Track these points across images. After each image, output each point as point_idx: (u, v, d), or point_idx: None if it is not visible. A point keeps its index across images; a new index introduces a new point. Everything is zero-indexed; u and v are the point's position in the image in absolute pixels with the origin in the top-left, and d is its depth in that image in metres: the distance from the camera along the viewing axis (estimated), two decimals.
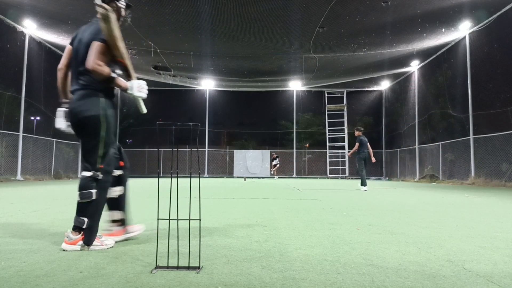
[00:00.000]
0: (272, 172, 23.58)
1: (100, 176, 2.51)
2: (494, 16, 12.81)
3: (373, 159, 10.61)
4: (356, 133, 10.86)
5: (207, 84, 23.81)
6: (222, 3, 12.00)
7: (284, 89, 24.87)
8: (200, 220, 2.21)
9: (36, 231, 3.08)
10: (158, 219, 2.05)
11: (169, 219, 2.04)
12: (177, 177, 2.00)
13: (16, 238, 2.77)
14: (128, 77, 2.66)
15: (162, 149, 22.04)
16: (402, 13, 12.25)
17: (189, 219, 2.15)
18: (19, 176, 14.30)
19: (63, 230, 2.95)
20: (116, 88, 2.63)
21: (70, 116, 2.59)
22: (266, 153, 24.89)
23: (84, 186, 2.47)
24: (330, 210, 4.90)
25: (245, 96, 24.89)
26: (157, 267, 1.96)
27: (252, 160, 24.85)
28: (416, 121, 19.53)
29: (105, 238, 2.57)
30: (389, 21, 12.87)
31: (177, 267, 1.94)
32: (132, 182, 14.59)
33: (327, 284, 1.72)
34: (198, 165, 2.20)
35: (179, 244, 2.11)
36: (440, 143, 16.97)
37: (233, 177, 24.21)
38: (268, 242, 2.68)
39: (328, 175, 24.39)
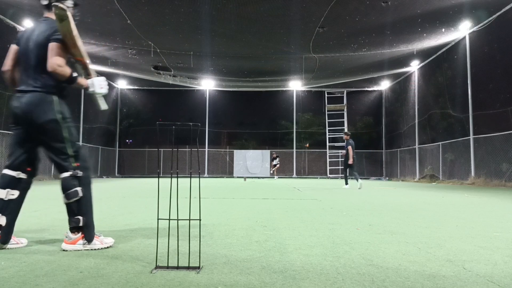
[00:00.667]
0: (271, 172, 23.48)
1: (80, 173, 2.51)
2: (494, 16, 12.81)
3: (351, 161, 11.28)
4: (345, 137, 11.69)
5: (207, 84, 23.81)
6: (222, 3, 12.00)
7: (284, 89, 24.87)
8: (200, 220, 2.21)
9: (36, 231, 3.08)
10: (158, 219, 2.05)
11: (169, 219, 2.04)
12: (177, 177, 2.00)
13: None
14: (87, 75, 2.65)
15: (162, 149, 22.06)
16: (402, 13, 12.24)
17: (189, 219, 2.15)
18: None
19: (63, 230, 2.95)
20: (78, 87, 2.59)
21: (22, 119, 2.48)
22: (266, 153, 24.88)
23: (67, 186, 2.45)
24: (330, 210, 4.90)
25: (245, 96, 24.88)
26: (157, 267, 1.96)
27: (252, 160, 24.85)
28: (416, 121, 19.53)
29: (103, 236, 2.57)
30: (389, 21, 12.87)
31: (177, 267, 1.94)
32: (132, 182, 14.60)
33: (327, 284, 1.72)
34: (198, 165, 2.20)
35: (179, 244, 2.11)
36: (440, 143, 16.96)
37: (233, 177, 24.21)
38: (268, 242, 2.68)
39: (328, 175, 24.39)
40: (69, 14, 2.41)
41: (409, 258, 2.23)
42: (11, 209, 2.46)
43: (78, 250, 2.39)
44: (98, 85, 2.62)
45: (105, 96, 2.74)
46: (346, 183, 11.46)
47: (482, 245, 2.64)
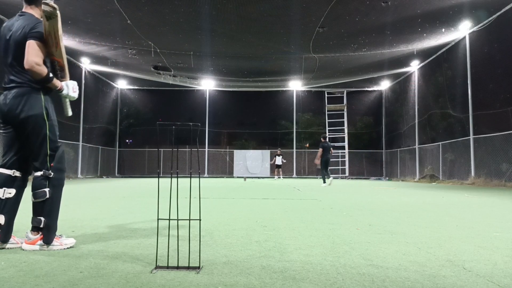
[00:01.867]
0: (276, 173, 22.03)
1: (52, 174, 2.48)
2: (494, 16, 12.81)
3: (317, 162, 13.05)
4: (322, 140, 13.20)
5: (207, 84, 23.81)
6: (222, 3, 12.00)
7: (284, 89, 24.86)
8: (200, 220, 2.21)
9: None
10: (158, 219, 2.05)
11: (169, 219, 2.04)
12: (177, 177, 2.00)
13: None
14: (62, 77, 2.62)
15: (162, 149, 22.05)
16: (402, 13, 12.24)
17: (189, 219, 2.15)
18: None
19: (63, 231, 2.95)
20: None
21: (7, 115, 2.47)
22: (266, 153, 24.86)
23: (37, 185, 2.44)
24: (330, 210, 4.90)
25: (245, 96, 24.88)
26: (157, 267, 1.96)
27: (252, 160, 24.84)
28: (416, 121, 19.53)
29: (65, 237, 2.55)
30: (389, 21, 12.87)
31: (177, 267, 1.94)
32: (132, 182, 14.60)
33: (327, 284, 1.71)
34: (198, 165, 2.20)
35: (179, 244, 2.11)
36: (440, 143, 16.96)
37: (233, 177, 24.21)
38: (268, 242, 2.68)
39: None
40: (58, 13, 2.38)
41: (409, 258, 2.23)
42: (9, 207, 2.45)
43: (36, 250, 2.37)
44: (71, 89, 2.60)
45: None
46: (324, 182, 12.99)
47: (482, 245, 2.64)
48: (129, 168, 24.75)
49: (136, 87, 24.91)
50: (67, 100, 2.67)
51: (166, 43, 15.43)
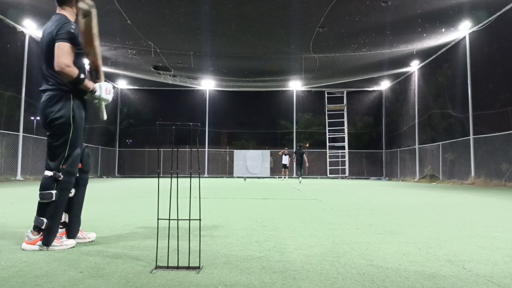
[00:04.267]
0: (283, 173, 21.36)
1: (61, 177, 2.47)
2: (494, 16, 12.81)
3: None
4: (299, 147, 17.70)
5: (207, 84, 23.81)
6: (222, 3, 12.00)
7: (284, 89, 24.87)
8: (200, 220, 2.20)
9: None
10: (158, 219, 2.05)
11: (169, 219, 2.04)
12: (177, 177, 2.00)
13: (16, 238, 2.77)
14: (97, 78, 2.60)
15: (162, 149, 22.05)
16: (402, 13, 12.24)
17: (189, 219, 2.15)
18: (19, 176, 14.30)
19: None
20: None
21: (41, 118, 2.53)
22: (266, 153, 24.86)
23: (45, 186, 2.44)
24: (330, 210, 4.90)
25: (245, 96, 24.89)
26: (157, 267, 1.96)
27: (252, 160, 24.85)
28: (416, 121, 19.53)
29: (65, 238, 2.54)
30: (389, 21, 12.87)
31: (177, 267, 1.94)
32: (132, 182, 14.60)
33: (327, 284, 1.71)
34: (198, 165, 2.20)
35: (179, 244, 2.10)
36: (440, 143, 16.97)
37: (233, 177, 24.21)
38: (268, 242, 2.68)
39: (328, 175, 24.40)
40: (94, 11, 2.37)
41: (409, 258, 2.23)
42: (71, 206, 2.60)
43: (36, 251, 2.37)
44: (105, 90, 2.58)
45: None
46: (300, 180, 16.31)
47: (482, 245, 2.64)
48: (129, 168, 24.76)
49: (136, 87, 24.92)
50: (102, 103, 2.64)
51: (166, 43, 15.43)
